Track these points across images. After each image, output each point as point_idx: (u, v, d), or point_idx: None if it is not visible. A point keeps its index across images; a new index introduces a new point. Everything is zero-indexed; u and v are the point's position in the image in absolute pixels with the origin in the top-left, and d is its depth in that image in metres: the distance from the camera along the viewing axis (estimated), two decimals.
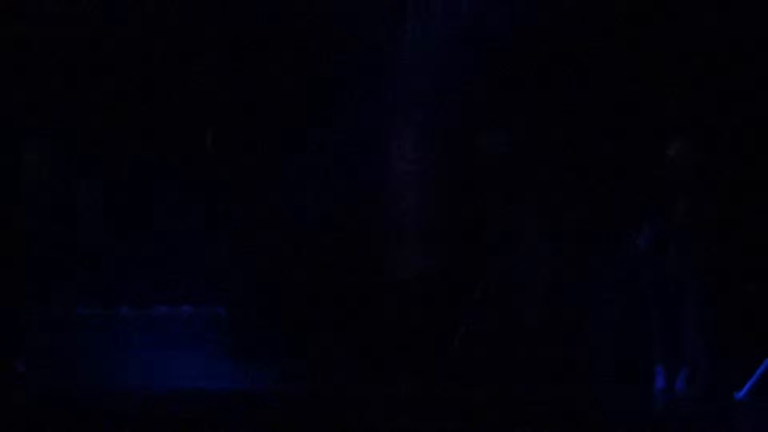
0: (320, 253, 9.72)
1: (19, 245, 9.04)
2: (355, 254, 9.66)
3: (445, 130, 9.73)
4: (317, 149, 9.78)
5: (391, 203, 9.73)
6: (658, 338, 8.20)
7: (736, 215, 8.23)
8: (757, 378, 7.63)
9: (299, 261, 9.74)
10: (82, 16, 9.41)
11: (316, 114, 9.71)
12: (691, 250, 7.95)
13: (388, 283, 9.64)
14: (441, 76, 9.39)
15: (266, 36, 9.72)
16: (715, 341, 7.90)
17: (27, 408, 7.50)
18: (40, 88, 9.31)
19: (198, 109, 10.05)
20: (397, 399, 7.97)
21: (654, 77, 8.80)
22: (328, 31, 9.50)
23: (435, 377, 8.61)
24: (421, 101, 9.59)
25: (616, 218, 8.89)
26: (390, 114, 9.68)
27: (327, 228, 9.72)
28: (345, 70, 9.49)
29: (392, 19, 9.59)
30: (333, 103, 9.53)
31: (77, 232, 10.17)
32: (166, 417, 7.14)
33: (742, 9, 8.49)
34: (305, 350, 9.41)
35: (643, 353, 8.35)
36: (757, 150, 8.47)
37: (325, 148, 9.77)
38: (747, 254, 8.34)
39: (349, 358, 9.19)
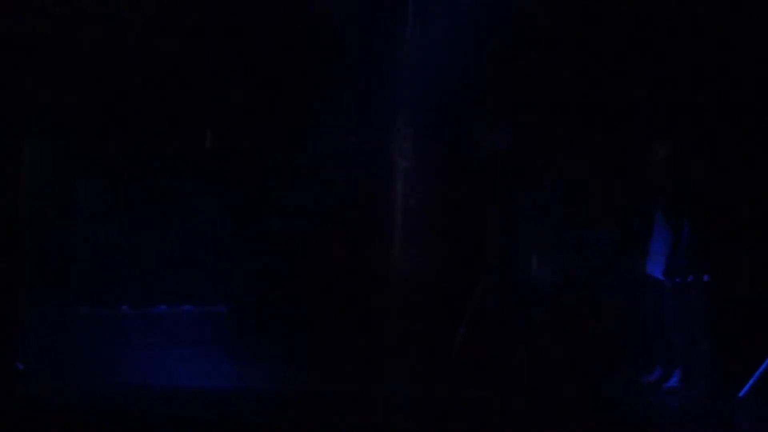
0: (320, 253, 9.72)
1: (19, 245, 9.04)
2: (355, 254, 9.67)
3: (445, 129, 9.73)
4: (317, 149, 9.78)
5: (391, 203, 9.73)
6: (658, 338, 8.21)
7: (735, 215, 8.23)
8: (757, 378, 7.63)
9: (300, 261, 9.74)
10: (82, 15, 9.41)
11: (316, 114, 9.71)
12: (690, 250, 7.95)
13: (388, 282, 9.64)
14: (441, 75, 9.39)
15: (267, 36, 9.72)
16: (715, 341, 7.90)
17: (27, 408, 7.50)
18: (40, 88, 9.31)
19: (198, 108, 10.05)
20: (397, 399, 7.97)
21: (653, 78, 8.81)
22: (328, 31, 9.50)
23: (435, 377, 8.61)
24: (421, 101, 9.59)
25: (617, 218, 8.89)
26: (390, 114, 9.68)
27: (327, 228, 9.72)
28: (345, 70, 9.49)
29: (392, 19, 9.59)
30: (333, 103, 9.53)
31: (77, 232, 10.17)
32: (166, 417, 7.14)
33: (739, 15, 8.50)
34: (305, 350, 9.42)
35: (644, 353, 8.35)
36: (753, 150, 8.49)
37: (326, 148, 9.78)
38: (746, 254, 8.35)
39: (349, 358, 9.19)
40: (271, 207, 9.87)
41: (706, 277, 7.93)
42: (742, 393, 7.63)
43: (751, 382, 7.63)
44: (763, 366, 7.64)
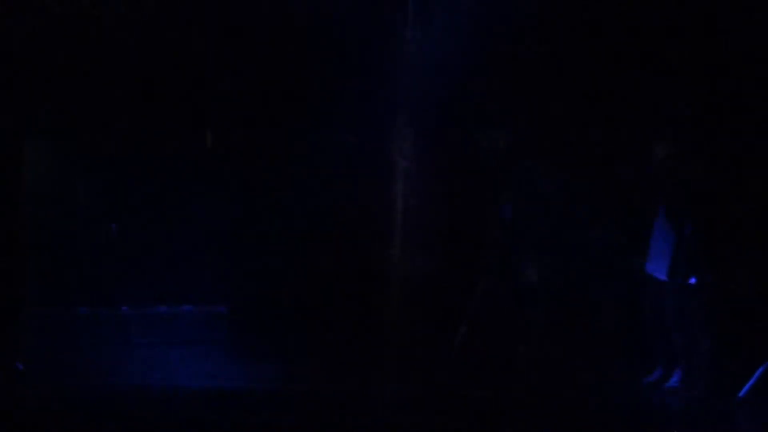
0: (320, 253, 9.72)
1: (19, 245, 9.04)
2: (355, 254, 9.67)
3: (445, 129, 9.73)
4: (317, 149, 9.78)
5: (391, 203, 9.73)
6: (658, 338, 8.20)
7: (735, 215, 8.23)
8: (757, 378, 7.63)
9: (300, 261, 9.74)
10: (82, 15, 9.41)
11: (316, 114, 9.71)
12: (691, 251, 7.95)
13: (388, 282, 9.63)
14: (441, 75, 9.39)
15: (267, 36, 9.72)
16: (715, 341, 7.90)
17: (27, 408, 7.50)
18: (40, 88, 9.31)
19: (198, 108, 10.05)
20: (397, 399, 7.97)
21: (654, 78, 8.81)
22: (328, 31, 9.50)
23: (435, 377, 8.61)
24: (421, 101, 9.58)
25: (617, 218, 8.89)
26: (390, 114, 9.68)
27: (327, 228, 9.72)
28: (345, 70, 9.49)
29: (392, 19, 9.59)
30: (333, 102, 9.53)
31: (77, 232, 10.17)
32: (166, 417, 7.14)
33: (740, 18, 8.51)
34: (305, 350, 9.42)
35: (644, 353, 8.35)
36: (754, 150, 8.48)
37: (326, 148, 9.78)
38: (746, 253, 8.34)
39: (349, 358, 9.19)
40: (271, 207, 9.86)
41: (707, 278, 7.92)
42: (742, 393, 7.63)
43: (751, 382, 7.63)
44: (763, 366, 7.65)
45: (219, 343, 9.89)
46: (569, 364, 8.78)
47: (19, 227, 9.08)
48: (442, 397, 7.91)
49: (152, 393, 8.09)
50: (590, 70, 9.08)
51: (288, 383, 8.58)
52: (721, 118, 8.51)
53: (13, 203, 9.05)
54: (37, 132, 9.63)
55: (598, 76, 9.06)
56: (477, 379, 8.58)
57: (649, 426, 7.35)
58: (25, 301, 9.15)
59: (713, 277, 7.93)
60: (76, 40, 9.43)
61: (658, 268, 8.12)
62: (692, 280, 7.93)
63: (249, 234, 9.92)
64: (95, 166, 10.25)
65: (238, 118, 10.00)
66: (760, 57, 8.38)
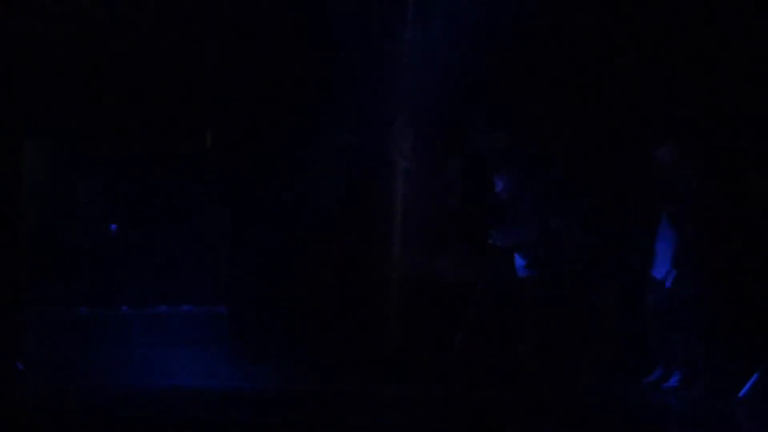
0: (321, 253, 9.73)
1: (19, 245, 9.04)
2: (355, 254, 9.67)
3: (445, 129, 9.74)
4: (318, 149, 9.79)
5: (391, 203, 9.73)
6: (658, 338, 8.20)
7: (736, 216, 8.23)
8: (757, 378, 7.63)
9: (300, 261, 9.75)
10: (82, 15, 9.42)
11: (316, 114, 9.71)
12: (691, 251, 7.95)
13: (388, 282, 9.64)
14: (441, 75, 9.40)
15: (267, 36, 9.73)
16: (715, 341, 7.90)
17: (27, 408, 7.50)
18: (40, 88, 9.31)
19: (198, 108, 10.05)
20: (397, 399, 7.97)
21: (652, 77, 8.82)
22: (328, 32, 9.51)
23: (435, 377, 8.61)
24: (421, 101, 9.59)
25: (616, 218, 8.89)
26: (390, 114, 9.69)
27: (327, 228, 9.72)
28: (346, 70, 9.50)
29: (392, 19, 9.60)
30: (333, 103, 9.54)
31: (78, 232, 10.18)
32: (166, 417, 7.14)
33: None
34: (305, 350, 9.42)
35: (644, 353, 8.35)
36: (753, 152, 8.48)
37: (326, 148, 9.78)
38: (746, 254, 8.34)
39: (349, 358, 9.20)
40: (271, 207, 9.87)
41: (708, 279, 7.92)
42: (742, 393, 7.63)
43: (751, 382, 7.63)
44: (764, 366, 7.65)
45: (219, 343, 9.89)
46: (569, 364, 8.78)
47: (19, 227, 9.08)
48: (443, 397, 7.91)
49: (152, 393, 8.09)
50: (590, 70, 9.08)
51: (288, 383, 8.58)
52: (721, 118, 8.50)
53: (13, 203, 9.05)
54: (37, 132, 9.63)
55: (598, 76, 9.05)
56: (477, 379, 8.58)
57: (649, 426, 7.35)
58: (25, 301, 9.16)
59: (714, 278, 7.93)
60: (76, 40, 9.44)
61: (660, 269, 8.12)
62: (693, 281, 7.93)
63: (249, 234, 9.92)
64: (95, 166, 10.26)
65: (238, 118, 10.01)
66: (760, 57, 8.37)
